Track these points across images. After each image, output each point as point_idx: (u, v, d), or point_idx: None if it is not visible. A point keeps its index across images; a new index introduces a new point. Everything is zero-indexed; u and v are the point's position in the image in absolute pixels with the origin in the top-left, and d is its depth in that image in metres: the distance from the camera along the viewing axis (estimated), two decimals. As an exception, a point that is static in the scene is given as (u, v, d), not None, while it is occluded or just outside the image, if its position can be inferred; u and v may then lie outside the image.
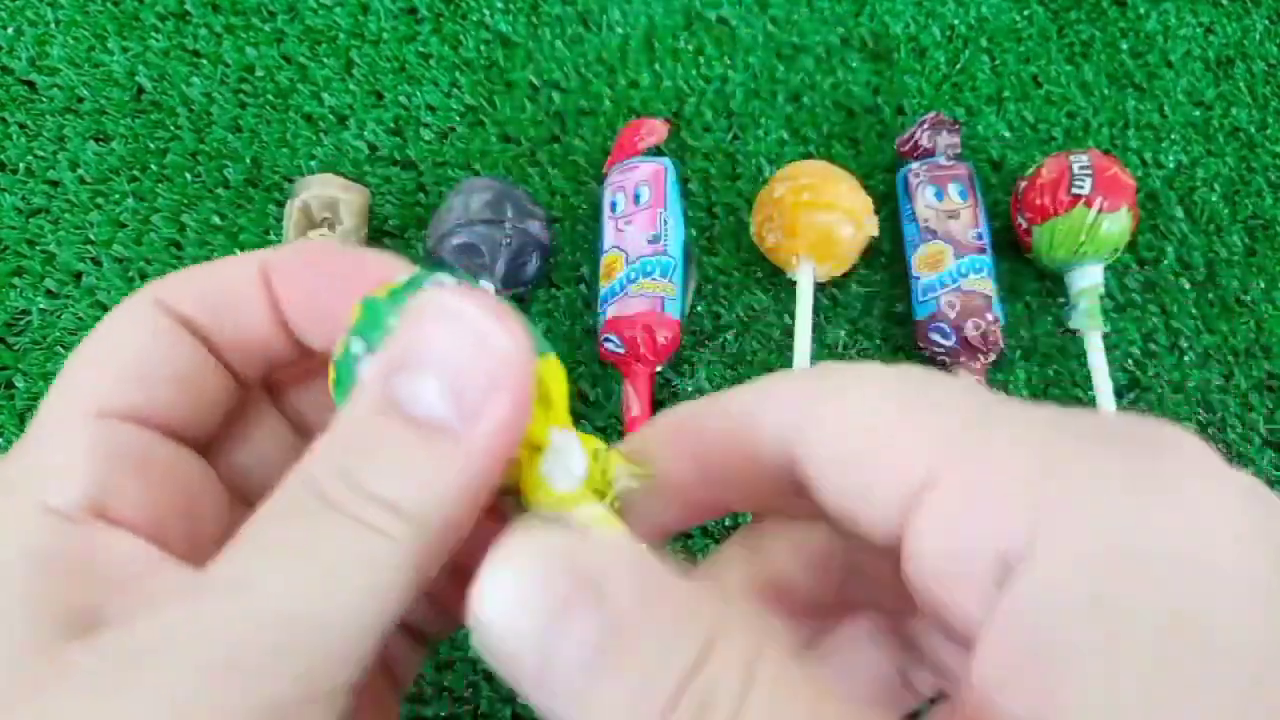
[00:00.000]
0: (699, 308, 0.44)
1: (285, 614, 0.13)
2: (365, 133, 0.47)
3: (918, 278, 0.42)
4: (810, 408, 0.15)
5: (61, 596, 0.14)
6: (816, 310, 0.43)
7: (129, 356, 0.17)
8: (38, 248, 0.43)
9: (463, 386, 0.14)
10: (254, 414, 0.20)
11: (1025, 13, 0.52)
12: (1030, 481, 0.12)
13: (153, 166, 0.45)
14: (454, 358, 0.14)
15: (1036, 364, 0.43)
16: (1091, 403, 0.40)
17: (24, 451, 0.16)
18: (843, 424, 0.15)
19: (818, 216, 0.41)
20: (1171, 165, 0.48)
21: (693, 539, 0.39)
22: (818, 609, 0.19)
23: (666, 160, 0.44)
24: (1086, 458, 0.12)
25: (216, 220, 0.44)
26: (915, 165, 0.44)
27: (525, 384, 0.15)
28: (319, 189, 0.42)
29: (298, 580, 0.14)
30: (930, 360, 0.42)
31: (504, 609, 0.13)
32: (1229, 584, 0.11)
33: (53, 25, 0.49)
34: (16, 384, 0.40)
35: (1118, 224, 0.41)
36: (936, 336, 0.41)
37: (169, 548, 0.16)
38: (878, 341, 0.43)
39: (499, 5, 0.51)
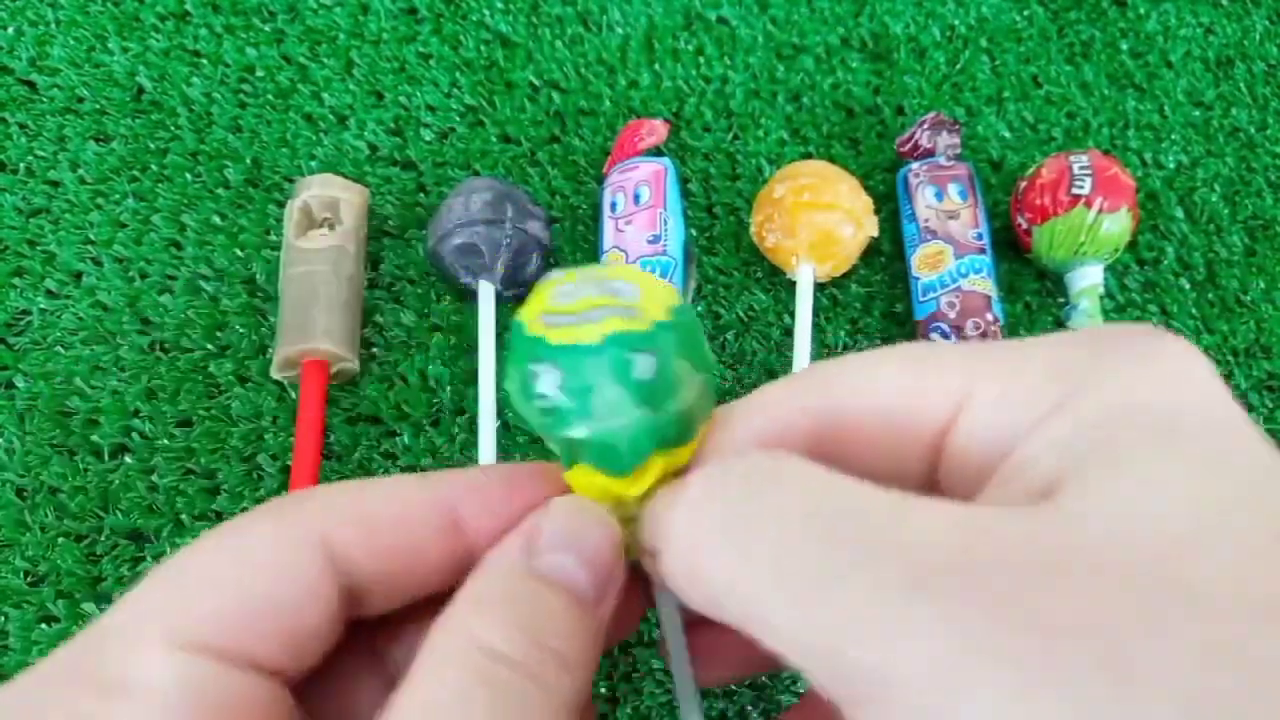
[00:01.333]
0: (699, 308, 0.44)
1: None
2: (365, 133, 0.47)
3: (918, 278, 0.42)
4: (848, 380, 0.17)
5: None
6: (816, 310, 0.43)
7: (258, 592, 0.16)
8: (38, 248, 0.43)
9: (597, 567, 0.17)
10: (345, 653, 0.19)
11: (1025, 13, 0.52)
12: (1047, 377, 0.15)
13: (153, 166, 0.45)
14: (590, 545, 0.17)
15: (1036, 364, 0.43)
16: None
17: (97, 664, 0.15)
18: (875, 385, 0.16)
19: (818, 216, 0.41)
20: (1171, 165, 0.48)
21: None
22: None
23: (666, 160, 0.44)
24: (1090, 350, 0.15)
25: (216, 220, 0.44)
26: (915, 165, 0.44)
27: (624, 570, 0.18)
28: (319, 189, 0.42)
29: None
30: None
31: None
32: (1212, 411, 0.14)
33: (53, 25, 0.49)
34: (16, 384, 0.40)
35: (1118, 224, 0.41)
36: (936, 337, 0.41)
37: None
38: (878, 341, 0.43)
39: (499, 5, 0.51)
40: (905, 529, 0.13)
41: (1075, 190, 0.41)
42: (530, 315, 0.18)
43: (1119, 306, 0.44)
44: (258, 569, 0.16)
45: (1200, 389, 0.14)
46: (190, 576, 0.16)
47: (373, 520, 0.17)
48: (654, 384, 0.17)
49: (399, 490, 0.18)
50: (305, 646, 0.16)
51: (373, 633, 0.19)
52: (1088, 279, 0.42)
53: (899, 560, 0.12)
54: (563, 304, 0.17)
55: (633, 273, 0.18)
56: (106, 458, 0.39)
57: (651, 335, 0.17)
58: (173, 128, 0.47)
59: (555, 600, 0.16)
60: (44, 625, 0.36)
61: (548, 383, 0.17)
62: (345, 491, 0.18)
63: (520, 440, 0.40)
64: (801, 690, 0.36)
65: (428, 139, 0.47)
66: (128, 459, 0.39)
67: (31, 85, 0.47)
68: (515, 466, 0.19)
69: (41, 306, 0.42)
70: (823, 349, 0.43)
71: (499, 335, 0.40)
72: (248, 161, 0.46)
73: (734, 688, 0.36)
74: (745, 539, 0.14)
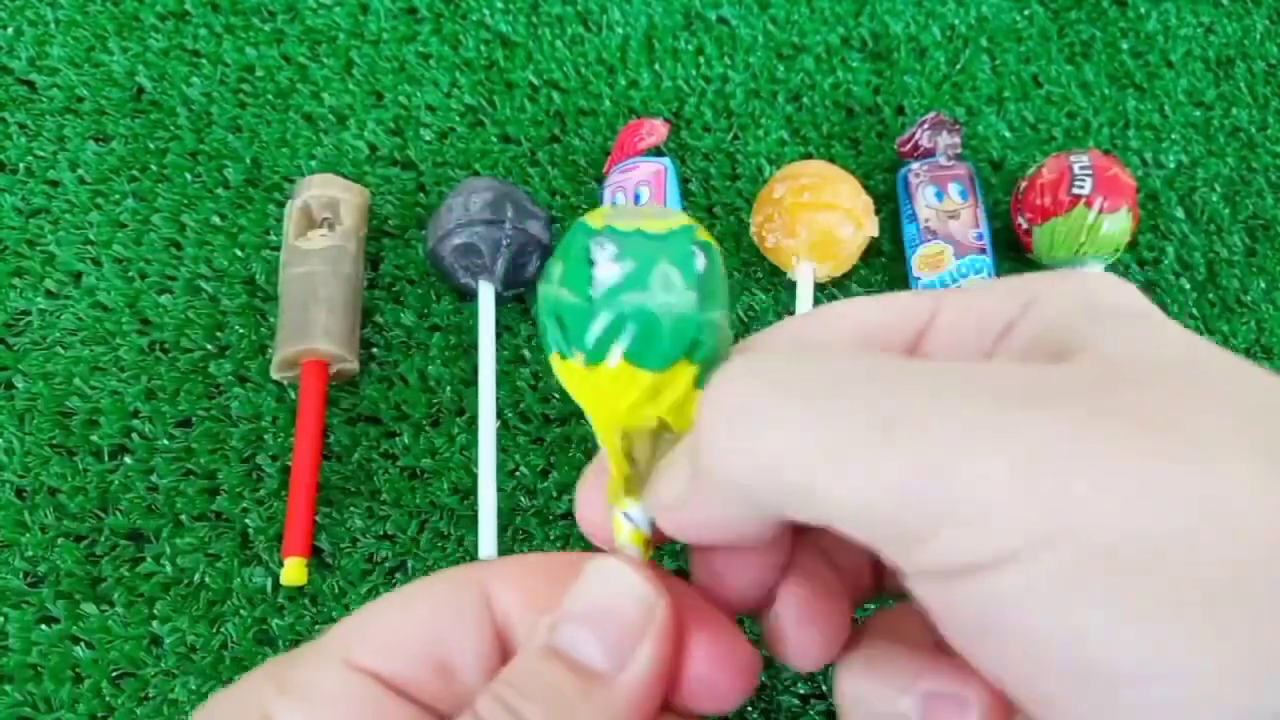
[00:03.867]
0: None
1: None
2: (365, 133, 0.47)
3: (918, 278, 0.42)
4: (818, 325, 0.18)
5: None
6: (816, 310, 0.43)
7: (426, 627, 0.17)
8: (38, 248, 0.43)
9: (613, 637, 0.17)
10: None
11: (1025, 13, 0.52)
12: (1013, 290, 0.16)
13: (153, 166, 0.45)
14: (607, 613, 0.17)
15: (1036, 364, 0.43)
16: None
17: (286, 672, 0.17)
18: (854, 312, 0.18)
19: (818, 216, 0.41)
20: (1171, 165, 0.48)
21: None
22: None
23: (666, 160, 0.44)
24: (1040, 276, 0.17)
25: (216, 220, 0.44)
26: (915, 165, 0.44)
27: (668, 632, 0.17)
28: (319, 189, 0.42)
29: None
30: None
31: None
32: (1155, 311, 0.16)
33: (53, 25, 0.49)
34: (16, 384, 0.40)
35: (1118, 224, 0.41)
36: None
37: None
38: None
39: (499, 5, 0.51)
40: (975, 371, 0.14)
41: (1075, 190, 0.41)
42: (593, 216, 0.18)
43: (1119, 306, 0.44)
44: (428, 609, 0.18)
45: (1139, 300, 0.16)
46: (374, 615, 0.18)
47: (533, 577, 0.18)
48: (705, 279, 0.17)
49: (558, 559, 0.19)
50: (458, 686, 0.18)
51: None
52: (1088, 279, 0.42)
53: (980, 390, 0.13)
54: (627, 209, 0.19)
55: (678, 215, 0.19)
56: (106, 458, 0.39)
57: (709, 243, 0.18)
58: (172, 128, 0.46)
59: (565, 680, 0.16)
60: (44, 626, 0.36)
61: (606, 254, 0.17)
62: (526, 563, 0.19)
63: (520, 441, 0.40)
64: (801, 690, 0.36)
65: (428, 139, 0.47)
66: (127, 459, 0.39)
67: (31, 85, 0.47)
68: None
69: (41, 307, 0.42)
70: (823, 349, 0.43)
71: (499, 335, 0.40)
72: (247, 161, 0.46)
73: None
74: (803, 396, 0.14)
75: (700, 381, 0.17)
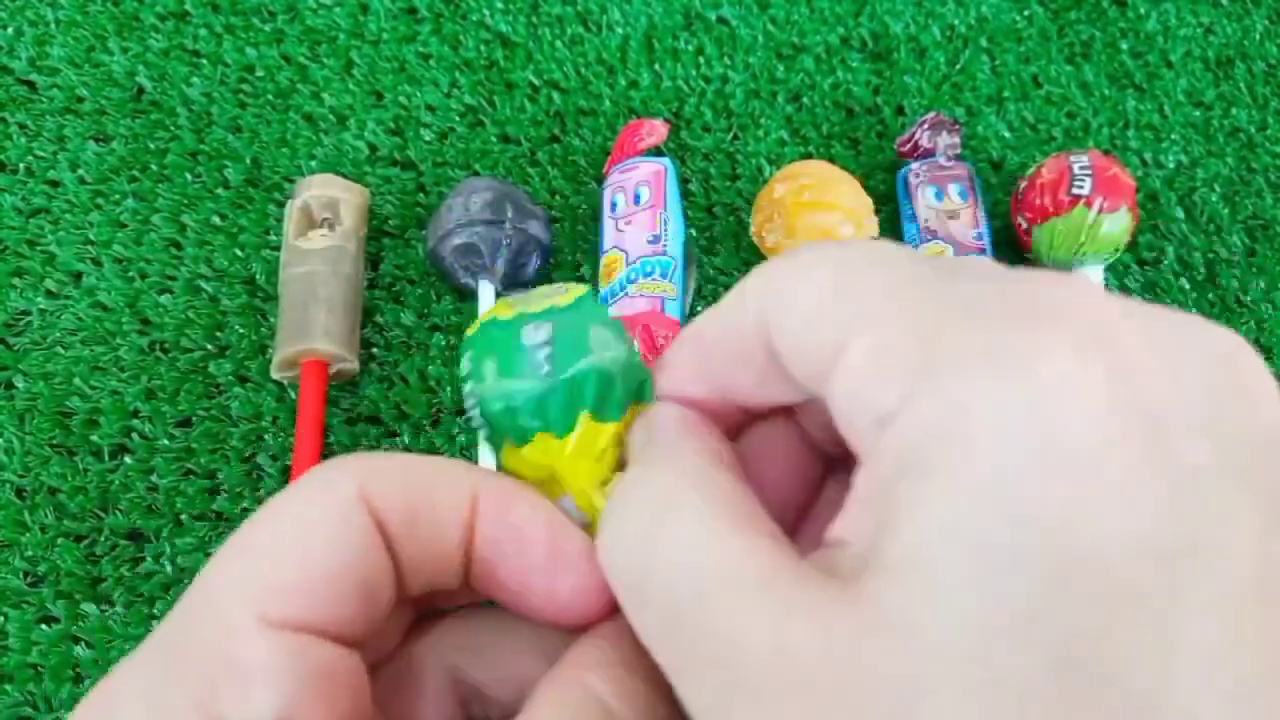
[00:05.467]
0: (699, 308, 0.44)
1: None
2: (365, 133, 0.47)
3: (918, 278, 0.42)
4: (779, 290, 0.16)
5: None
6: (816, 310, 0.43)
7: (323, 560, 0.16)
8: (38, 248, 0.43)
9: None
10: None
11: (1025, 13, 0.52)
12: (910, 355, 0.14)
13: (153, 166, 0.45)
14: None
15: (1036, 364, 0.43)
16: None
17: (202, 652, 0.16)
18: (796, 302, 0.16)
19: (818, 216, 0.41)
20: (1171, 165, 0.48)
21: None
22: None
23: (666, 160, 0.44)
24: (964, 331, 0.13)
25: (216, 220, 0.44)
26: (915, 165, 0.44)
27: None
28: (319, 189, 0.42)
29: None
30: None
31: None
32: (1053, 457, 0.12)
33: (53, 25, 0.49)
34: (16, 384, 0.40)
35: (1118, 224, 0.41)
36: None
37: None
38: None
39: (499, 5, 0.51)
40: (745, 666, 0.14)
41: (1075, 190, 0.41)
42: (494, 312, 0.19)
43: (1119, 306, 0.44)
44: (316, 536, 0.16)
45: (1053, 430, 0.12)
46: (258, 554, 0.16)
47: (411, 493, 0.17)
48: (621, 326, 0.19)
49: (432, 463, 0.18)
50: (372, 612, 0.17)
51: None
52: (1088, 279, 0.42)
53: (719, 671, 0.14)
54: (515, 297, 0.20)
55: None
56: (106, 458, 0.39)
57: (604, 301, 0.20)
58: (172, 128, 0.46)
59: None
60: (44, 625, 0.36)
61: (540, 335, 0.19)
62: (380, 456, 0.18)
63: (520, 440, 0.40)
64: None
65: (428, 139, 0.47)
66: (128, 459, 0.39)
67: (31, 85, 0.47)
68: (536, 502, 0.19)
69: (41, 307, 0.42)
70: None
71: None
72: (247, 161, 0.46)
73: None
74: (636, 607, 0.15)
75: None
